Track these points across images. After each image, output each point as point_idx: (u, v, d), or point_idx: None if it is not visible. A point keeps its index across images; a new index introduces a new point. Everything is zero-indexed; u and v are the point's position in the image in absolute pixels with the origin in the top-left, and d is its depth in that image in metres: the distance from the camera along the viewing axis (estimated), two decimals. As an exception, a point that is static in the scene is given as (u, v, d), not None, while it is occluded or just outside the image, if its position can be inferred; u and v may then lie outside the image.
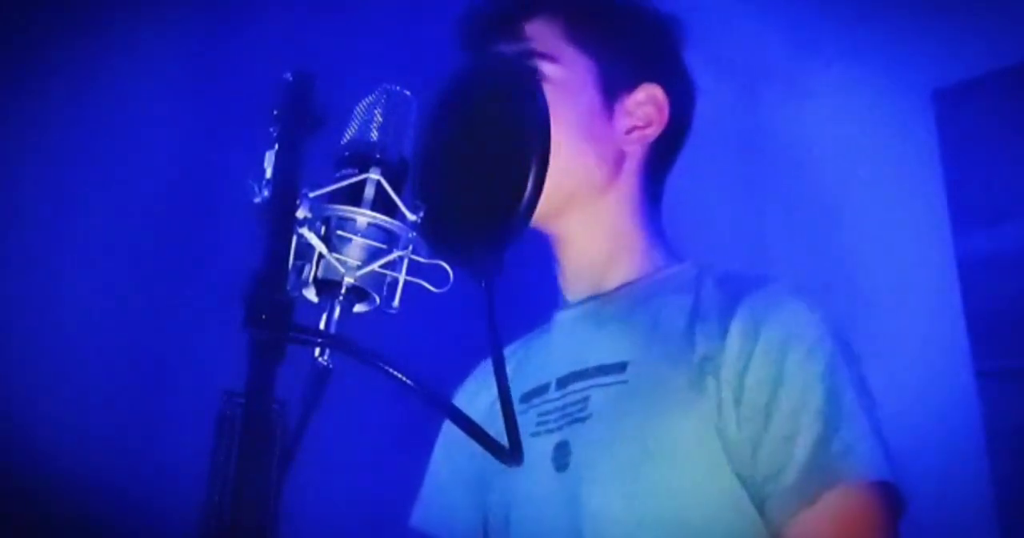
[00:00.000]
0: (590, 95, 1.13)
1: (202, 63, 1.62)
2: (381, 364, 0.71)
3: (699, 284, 1.07)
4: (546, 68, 1.11)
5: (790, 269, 2.54)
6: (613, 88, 1.14)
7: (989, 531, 2.08)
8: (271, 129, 0.75)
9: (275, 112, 0.75)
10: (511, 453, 0.76)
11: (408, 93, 0.82)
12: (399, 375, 0.70)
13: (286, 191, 0.71)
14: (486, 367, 1.12)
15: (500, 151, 0.86)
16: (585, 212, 1.13)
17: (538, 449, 1.05)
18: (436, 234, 0.81)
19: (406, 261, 0.78)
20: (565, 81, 1.11)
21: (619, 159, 1.14)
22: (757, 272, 1.09)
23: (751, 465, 0.95)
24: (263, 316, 0.63)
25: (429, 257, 0.80)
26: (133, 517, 1.42)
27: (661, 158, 1.19)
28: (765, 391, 0.95)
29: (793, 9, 2.34)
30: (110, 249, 1.49)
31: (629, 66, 1.16)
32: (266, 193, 0.72)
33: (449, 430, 1.19)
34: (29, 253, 1.42)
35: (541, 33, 1.14)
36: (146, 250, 1.53)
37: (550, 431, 1.07)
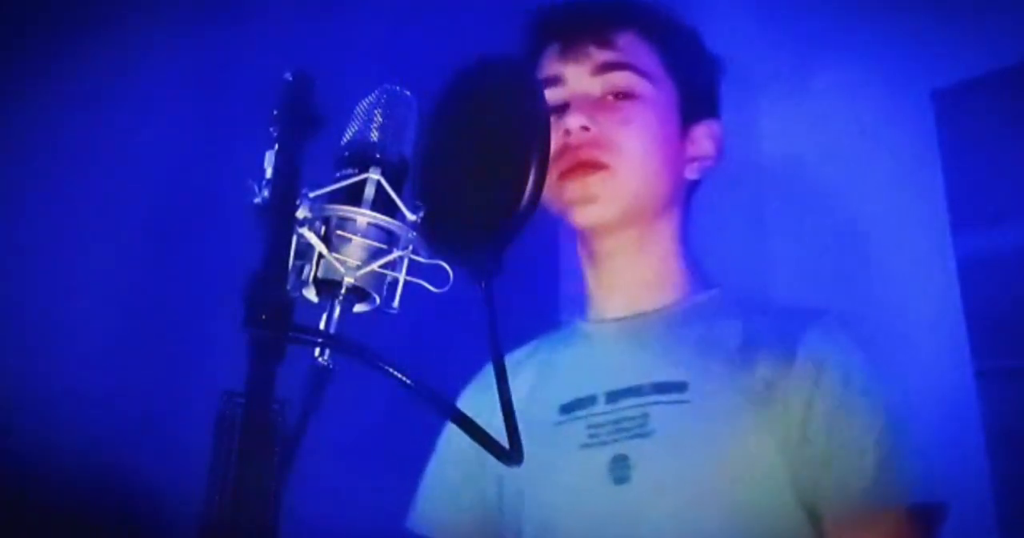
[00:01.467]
0: (672, 119, 1.17)
1: (202, 63, 1.62)
2: (381, 364, 0.71)
3: (744, 311, 1.12)
4: (640, 84, 1.13)
5: (790, 268, 2.54)
6: (687, 116, 1.18)
7: (989, 531, 2.07)
8: (271, 129, 0.75)
9: (275, 112, 0.75)
10: (511, 454, 0.76)
11: (408, 93, 0.82)
12: (399, 375, 0.70)
13: (286, 191, 0.71)
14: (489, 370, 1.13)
15: (500, 151, 0.86)
16: (642, 230, 1.15)
17: (591, 460, 1.06)
18: (436, 234, 0.81)
19: (406, 261, 0.78)
20: (656, 100, 1.15)
21: (679, 184, 1.18)
22: (803, 306, 1.14)
23: (814, 483, 1.01)
24: (263, 316, 0.63)
25: (429, 257, 0.80)
26: (133, 517, 1.42)
27: (696, 189, 1.23)
28: (833, 416, 1.02)
29: (793, 10, 2.34)
30: (109, 249, 1.49)
31: (700, 99, 1.20)
32: (266, 193, 0.72)
33: (455, 433, 1.19)
34: (28, 253, 1.42)
35: (632, 47, 1.16)
36: (146, 250, 1.53)
37: (603, 443, 1.08)
